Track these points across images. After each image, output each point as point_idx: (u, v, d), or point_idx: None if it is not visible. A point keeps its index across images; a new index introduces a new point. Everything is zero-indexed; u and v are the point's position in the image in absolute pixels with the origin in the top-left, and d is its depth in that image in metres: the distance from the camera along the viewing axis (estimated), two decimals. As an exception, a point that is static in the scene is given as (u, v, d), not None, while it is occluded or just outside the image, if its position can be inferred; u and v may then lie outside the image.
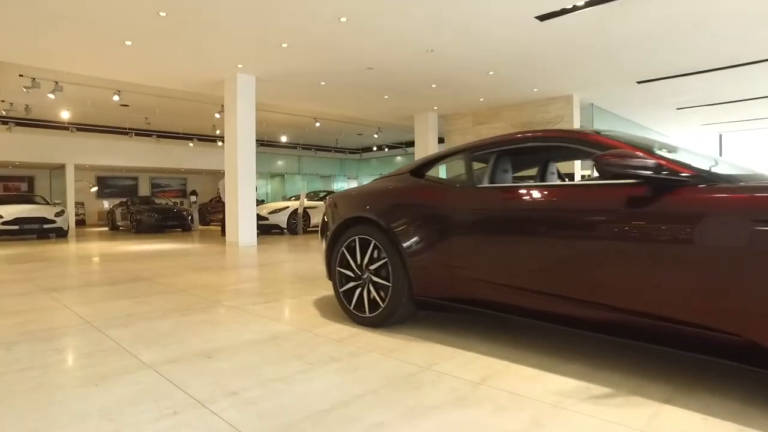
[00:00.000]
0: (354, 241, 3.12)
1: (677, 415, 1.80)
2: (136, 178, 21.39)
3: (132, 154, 17.42)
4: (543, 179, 3.23)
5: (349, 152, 22.87)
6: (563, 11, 6.12)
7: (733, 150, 17.94)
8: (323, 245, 3.44)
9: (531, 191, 2.53)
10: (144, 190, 21.23)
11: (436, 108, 12.69)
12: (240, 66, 8.44)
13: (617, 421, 1.74)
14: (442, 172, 10.48)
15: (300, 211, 11.83)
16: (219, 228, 13.15)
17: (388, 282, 2.90)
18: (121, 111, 12.98)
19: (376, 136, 16.28)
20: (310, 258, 6.83)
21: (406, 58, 8.13)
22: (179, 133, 17.09)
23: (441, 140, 13.97)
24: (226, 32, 6.89)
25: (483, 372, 2.26)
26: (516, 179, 3.25)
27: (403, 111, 12.97)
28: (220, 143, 18.06)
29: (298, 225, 11.79)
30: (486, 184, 2.75)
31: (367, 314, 3.02)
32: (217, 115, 11.59)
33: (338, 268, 3.23)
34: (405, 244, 2.82)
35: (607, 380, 2.13)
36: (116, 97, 10.07)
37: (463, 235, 2.63)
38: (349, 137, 18.63)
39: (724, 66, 8.85)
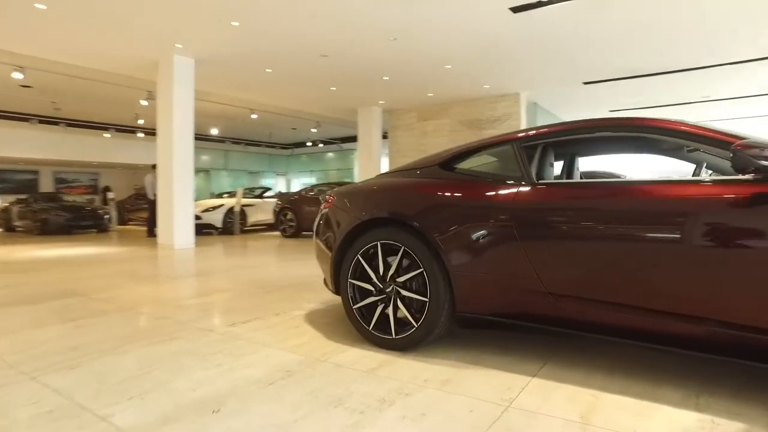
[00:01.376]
0: (375, 247, 2.58)
1: None
2: (36, 172, 18.76)
3: (33, 145, 15.10)
4: (570, 175, 2.89)
5: (281, 147, 21.78)
6: (539, 3, 5.94)
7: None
8: (327, 252, 2.86)
9: (623, 189, 2.13)
10: (46, 185, 18.68)
11: (382, 102, 12.26)
12: (179, 46, 7.40)
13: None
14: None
15: (237, 209, 10.86)
16: (141, 227, 11.75)
17: (424, 297, 2.41)
18: (22, 93, 11.11)
19: (314, 130, 15.51)
20: (264, 262, 6.10)
21: (366, 46, 7.60)
22: (94, 122, 15.12)
23: (384, 136, 13.58)
24: (165, 3, 5.93)
25: (576, 406, 1.85)
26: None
27: (348, 104, 12.40)
28: (141, 134, 16.29)
29: (234, 224, 10.81)
30: (550, 180, 2.34)
31: (393, 336, 2.50)
32: (144, 102, 10.27)
33: (351, 281, 2.68)
34: (450, 252, 2.34)
35: (725, 410, 1.81)
36: (18, 75, 8.48)
37: (527, 240, 2.20)
38: (283, 131, 17.65)
39: (666, 71, 9.29)
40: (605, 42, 7.57)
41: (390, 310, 2.53)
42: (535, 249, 2.19)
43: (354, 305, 2.67)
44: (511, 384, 2.09)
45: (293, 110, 13.06)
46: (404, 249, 2.47)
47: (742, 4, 6.13)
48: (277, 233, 10.67)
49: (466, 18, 6.52)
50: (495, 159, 2.67)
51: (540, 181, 2.32)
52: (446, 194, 2.48)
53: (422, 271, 2.41)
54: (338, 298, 3.65)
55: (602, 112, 13.94)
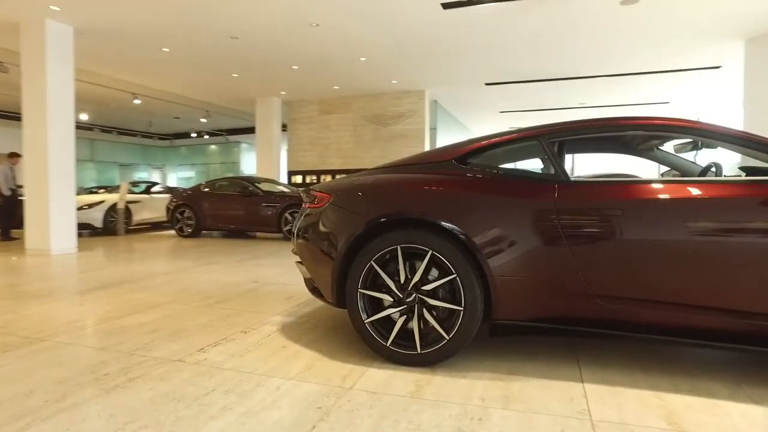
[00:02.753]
0: (395, 252, 2.28)
1: None
2: None
3: None
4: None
5: (159, 138, 19.58)
6: (470, 2, 6.01)
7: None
8: (326, 258, 2.46)
9: (673, 188, 2.11)
10: None
11: (283, 93, 11.60)
12: (55, 8, 6.05)
13: None
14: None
15: (121, 206, 9.43)
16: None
17: (458, 305, 2.18)
18: None
19: (204, 120, 14.12)
20: (181, 267, 5.28)
21: (283, 30, 7.03)
22: None
23: (284, 128, 12.90)
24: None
25: (653, 411, 1.80)
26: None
27: (247, 94, 11.51)
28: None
29: (118, 223, 9.38)
30: (587, 179, 2.25)
31: (419, 350, 2.24)
32: (-10, 76, 8.29)
33: (363, 291, 2.34)
34: (490, 256, 2.14)
35: (778, 401, 1.90)
36: None
37: (573, 241, 2.09)
38: (165, 120, 15.83)
39: (556, 78, 10.17)
40: (513, 47, 8.00)
41: (414, 323, 2.26)
42: (580, 249, 2.09)
43: (366, 319, 2.34)
44: (570, 393, 1.97)
45: (183, 97, 11.73)
46: (432, 254, 2.21)
47: (629, 25, 6.89)
48: (170, 233, 9.50)
49: (396, 10, 6.36)
50: (515, 154, 2.54)
51: (574, 179, 2.23)
52: (483, 193, 2.27)
53: (455, 278, 2.18)
54: (310, 307, 3.27)
55: (493, 113, 14.92)
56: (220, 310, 3.40)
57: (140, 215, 10.06)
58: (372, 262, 2.31)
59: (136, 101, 11.25)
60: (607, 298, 2.08)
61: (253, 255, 6.30)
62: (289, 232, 8.01)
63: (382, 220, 2.31)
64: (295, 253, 2.92)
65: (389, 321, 2.35)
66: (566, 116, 15.12)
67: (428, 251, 2.22)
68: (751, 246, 1.93)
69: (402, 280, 2.28)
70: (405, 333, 2.30)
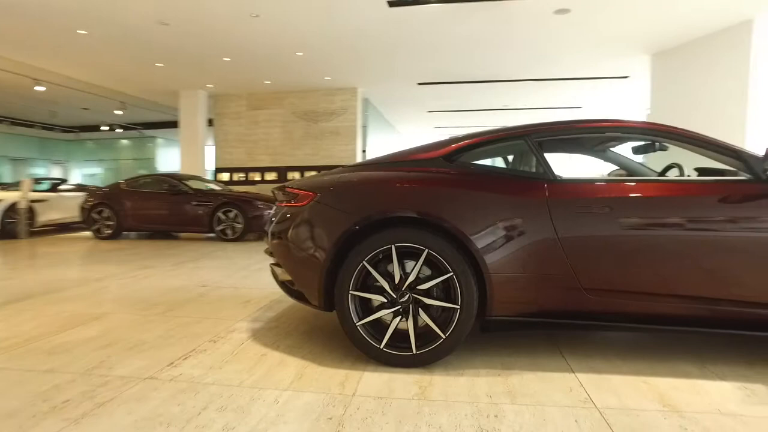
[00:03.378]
0: (388, 251, 2.22)
1: None
2: None
3: None
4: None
5: (62, 130, 17.65)
6: (416, 1, 6.06)
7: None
8: (313, 259, 2.34)
9: (649, 186, 2.27)
10: None
11: (210, 86, 10.98)
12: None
13: None
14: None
15: (23, 205, 8.36)
16: None
17: (454, 304, 2.17)
18: None
19: (119, 112, 12.91)
20: (111, 273, 4.77)
21: (220, 19, 6.62)
22: None
23: (209, 123, 12.21)
24: None
25: (646, 395, 1.91)
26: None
27: (169, 85, 10.73)
28: None
29: (20, 225, 8.31)
30: (574, 178, 2.33)
31: (414, 351, 2.20)
32: None
33: (354, 293, 2.26)
34: (487, 253, 2.16)
35: (740, 375, 2.10)
36: None
37: (565, 237, 2.17)
38: (72, 111, 14.30)
39: (484, 80, 10.60)
40: (450, 48, 8.21)
41: (410, 323, 2.22)
42: (570, 245, 2.17)
43: (358, 321, 2.25)
44: (567, 384, 2.04)
45: (96, 86, 10.67)
46: (429, 252, 2.18)
47: (557, 33, 7.36)
48: (83, 234, 8.61)
49: (342, 5, 6.25)
50: (500, 153, 2.57)
51: (561, 178, 2.32)
52: (479, 191, 2.27)
53: (451, 276, 2.17)
54: (274, 311, 3.13)
55: (421, 112, 15.23)
56: (174, 318, 3.12)
57: (46, 216, 8.99)
58: (364, 262, 2.23)
59: (39, 88, 10.03)
60: (594, 291, 2.18)
61: (189, 257, 5.87)
62: (223, 232, 7.59)
63: (377, 218, 2.24)
64: (270, 255, 2.75)
65: (379, 323, 2.29)
66: (490, 117, 15.85)
67: (424, 250, 2.19)
68: (717, 239, 2.12)
69: (397, 280, 2.23)
70: (398, 334, 2.25)
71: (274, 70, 9.52)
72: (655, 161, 3.42)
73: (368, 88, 11.55)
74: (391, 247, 2.21)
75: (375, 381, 2.09)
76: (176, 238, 8.33)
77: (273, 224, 2.66)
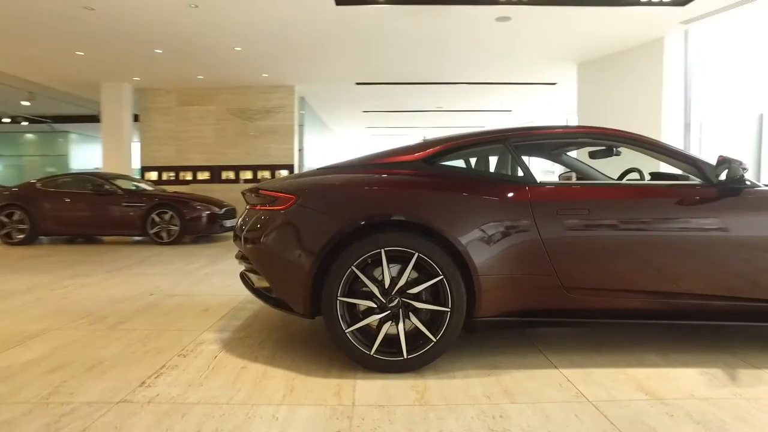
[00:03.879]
0: (377, 256, 2.18)
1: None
2: None
3: None
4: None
5: (-49, 122, 15.55)
6: (364, 0, 6.03)
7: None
8: (298, 265, 2.24)
9: (629, 191, 2.42)
10: None
11: (137, 79, 10.22)
12: None
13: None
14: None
15: None
16: None
17: (444, 306, 2.19)
18: None
19: (27, 103, 11.58)
20: (38, 284, 4.25)
21: (156, 7, 6.17)
22: None
23: (136, 118, 11.38)
24: None
25: (629, 386, 2.04)
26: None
27: (90, 76, 9.85)
28: None
29: None
30: (552, 181, 2.42)
31: (405, 356, 2.19)
32: None
33: (342, 299, 2.20)
34: (476, 255, 2.19)
35: (699, 362, 2.31)
36: None
37: (547, 238, 2.25)
38: (-38, 100, 12.64)
39: (422, 82, 10.79)
40: (392, 49, 8.28)
41: (401, 328, 2.19)
42: (552, 246, 2.27)
43: (347, 328, 2.20)
44: (555, 380, 2.13)
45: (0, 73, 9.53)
46: (419, 256, 2.18)
47: (496, 39, 7.67)
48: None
49: (285, 0, 6.07)
50: (478, 156, 2.62)
51: (540, 182, 2.40)
52: (466, 194, 2.29)
53: (442, 279, 2.18)
54: (239, 320, 3.03)
55: (356, 112, 15.23)
56: (130, 332, 2.86)
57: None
58: (353, 267, 2.18)
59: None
60: (573, 289, 2.29)
61: (124, 263, 5.42)
62: (157, 235, 7.10)
63: (366, 222, 2.20)
64: (243, 260, 2.61)
65: (366, 328, 2.24)
66: (422, 118, 16.18)
67: (414, 254, 2.18)
68: (681, 238, 2.32)
69: (387, 284, 2.20)
70: (385, 339, 2.22)
71: (210, 64, 9.05)
72: (606, 165, 3.66)
73: (305, 87, 11.35)
74: (380, 252, 2.18)
75: (370, 389, 2.05)
76: (100, 242, 7.67)
77: (246, 229, 2.53)
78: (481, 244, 2.21)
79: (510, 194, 2.31)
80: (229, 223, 7.81)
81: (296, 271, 2.25)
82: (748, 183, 2.37)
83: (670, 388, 2.05)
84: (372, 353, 2.19)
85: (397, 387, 2.07)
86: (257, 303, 3.56)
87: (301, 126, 11.95)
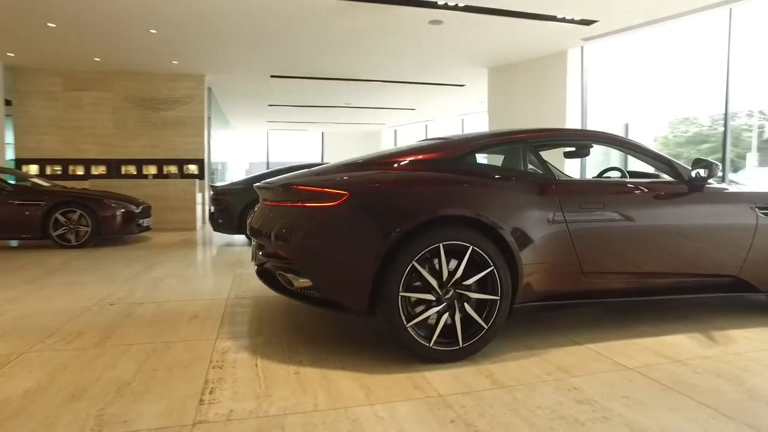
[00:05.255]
0: (437, 250, 2.25)
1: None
2: None
3: None
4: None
5: None
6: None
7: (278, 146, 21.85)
8: (358, 263, 2.21)
9: (638, 187, 2.77)
10: None
11: (11, 55, 8.71)
12: None
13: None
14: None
15: None
16: None
17: (494, 295, 2.33)
18: None
19: None
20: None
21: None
22: None
23: (8, 102, 9.69)
24: None
25: (643, 354, 2.37)
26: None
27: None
28: None
29: None
30: (571, 178, 2.67)
31: (461, 344, 2.30)
32: None
33: (403, 294, 2.22)
34: (521, 247, 2.37)
35: (678, 329, 2.76)
36: None
37: (573, 230, 2.51)
38: None
39: (333, 78, 10.76)
40: (315, 43, 8.15)
41: (457, 318, 2.29)
42: (576, 236, 2.53)
43: (408, 323, 2.23)
44: (590, 354, 2.40)
45: None
46: (473, 249, 2.29)
47: (421, 41, 8.00)
48: None
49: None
50: (500, 154, 2.78)
51: (560, 179, 2.66)
52: (510, 190, 2.46)
53: (492, 270, 2.32)
54: (242, 325, 3.01)
55: (262, 106, 14.68)
56: (127, 348, 2.54)
57: None
58: (414, 262, 2.22)
59: None
60: (590, 273, 2.58)
61: (40, 271, 4.66)
62: (63, 237, 6.20)
63: (429, 218, 2.24)
64: (264, 261, 2.49)
65: (421, 322, 2.29)
66: (326, 114, 16.12)
67: (469, 247, 2.28)
68: (669, 226, 2.75)
69: (445, 277, 2.27)
70: (448, 330, 2.28)
71: (114, 46, 8.08)
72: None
73: (215, 77, 10.67)
74: (439, 246, 2.25)
75: (442, 379, 2.11)
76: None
77: (280, 226, 2.42)
78: (522, 236, 2.40)
79: (541, 190, 2.53)
80: (146, 222, 7.10)
81: (357, 268, 2.23)
82: (711, 182, 2.87)
83: (677, 351, 2.43)
84: (431, 345, 2.25)
85: (464, 375, 2.16)
86: (245, 306, 3.38)
87: (209, 118, 11.20)
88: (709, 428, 1.70)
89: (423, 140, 3.27)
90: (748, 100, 7.73)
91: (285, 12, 6.61)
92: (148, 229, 7.24)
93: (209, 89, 11.44)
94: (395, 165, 2.58)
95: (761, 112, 8.55)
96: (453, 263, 2.29)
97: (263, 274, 2.76)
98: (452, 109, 15.59)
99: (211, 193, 7.07)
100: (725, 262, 2.86)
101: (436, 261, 2.28)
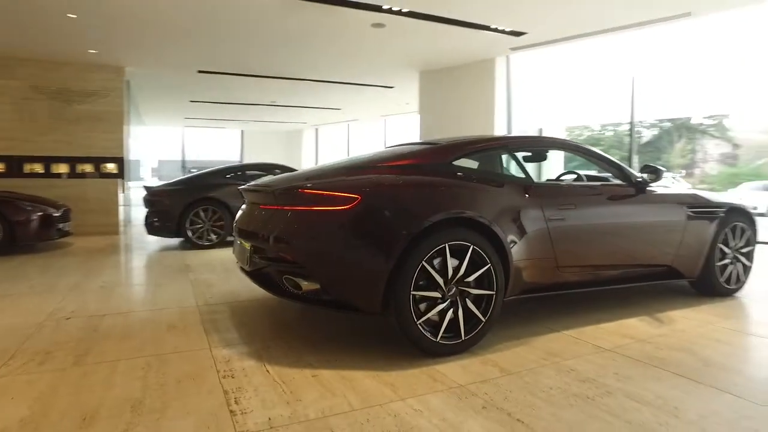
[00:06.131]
0: (443, 250, 2.40)
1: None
2: None
3: None
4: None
5: None
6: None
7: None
8: (373, 265, 2.29)
9: (599, 189, 3.16)
10: None
11: None
12: None
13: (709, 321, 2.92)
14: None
15: None
16: None
17: (491, 290, 2.53)
18: None
19: None
20: None
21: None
22: None
23: None
24: None
25: (615, 336, 2.72)
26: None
27: None
28: None
29: None
30: (543, 181, 2.94)
31: (464, 337, 2.47)
32: None
33: (414, 293, 2.34)
34: (513, 246, 2.60)
35: (612, 315, 3.17)
36: None
37: (552, 228, 2.79)
38: None
39: (259, 75, 10.49)
40: (250, 39, 7.87)
41: (460, 313, 2.45)
42: (554, 233, 2.81)
43: (419, 320, 2.35)
44: (570, 340, 2.69)
45: None
46: (473, 248, 2.46)
47: (361, 42, 8.12)
48: None
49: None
50: (482, 159, 2.98)
51: (538, 182, 2.93)
52: (501, 192, 2.67)
53: (489, 267, 2.51)
54: (229, 333, 2.98)
55: (183, 101, 13.87)
56: (115, 364, 2.38)
57: None
58: (423, 263, 2.34)
59: None
60: (563, 267, 2.89)
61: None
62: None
63: (439, 220, 2.38)
64: (256, 268, 2.50)
65: (435, 317, 2.41)
66: (250, 111, 15.61)
67: (470, 246, 2.46)
68: (622, 225, 3.15)
69: (450, 275, 2.42)
70: (432, 325, 2.41)
71: (21, 28, 7.19)
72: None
73: (137, 70, 9.90)
74: (445, 246, 2.39)
75: (455, 371, 2.26)
76: None
77: (288, 231, 2.43)
78: (514, 236, 2.63)
79: (526, 192, 2.78)
80: (66, 226, 6.47)
81: (372, 270, 2.30)
82: (651, 185, 3.32)
83: (637, 333, 2.81)
84: (438, 340, 2.40)
85: (472, 366, 2.33)
86: (221, 313, 3.29)
87: (128, 114, 10.37)
88: (689, 392, 2.03)
89: (403, 144, 3.40)
90: (627, 111, 8.91)
91: (223, 6, 6.35)
92: (68, 234, 6.60)
93: (128, 82, 10.58)
94: (394, 168, 2.69)
95: (640, 122, 9.88)
96: (455, 262, 2.45)
97: (259, 277, 2.72)
98: (377, 110, 15.84)
99: (145, 194, 6.61)
100: (662, 254, 3.32)
101: (436, 261, 2.41)
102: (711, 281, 3.53)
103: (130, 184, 11.01)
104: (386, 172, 2.67)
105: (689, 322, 3.03)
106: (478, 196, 2.61)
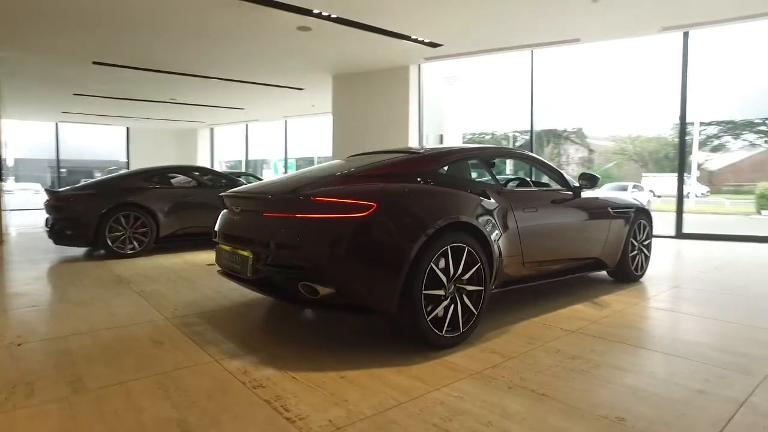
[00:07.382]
0: (446, 251, 2.66)
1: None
2: None
3: None
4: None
5: None
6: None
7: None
8: (389, 268, 2.45)
9: (552, 194, 3.65)
10: None
11: None
12: None
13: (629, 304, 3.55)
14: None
15: None
16: None
17: (480, 286, 2.86)
18: None
19: None
20: None
21: None
22: None
23: None
24: None
25: (576, 321, 3.22)
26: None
27: None
28: None
29: None
30: (515, 188, 3.32)
31: (462, 330, 2.76)
32: None
33: (425, 292, 2.57)
34: (497, 246, 2.95)
35: (577, 299, 3.74)
36: None
37: (521, 229, 3.20)
38: None
39: (160, 70, 9.83)
40: (158, 34, 7.43)
41: (459, 308, 2.73)
42: (522, 233, 3.23)
43: (429, 317, 2.58)
44: (542, 325, 3.11)
45: None
46: (468, 249, 2.76)
47: (283, 44, 8.06)
48: None
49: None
50: (458, 168, 3.28)
51: (505, 188, 3.32)
52: (485, 198, 2.99)
53: (480, 265, 2.83)
54: (225, 344, 3.02)
55: (66, 95, 12.37)
56: (122, 388, 2.24)
57: None
58: (431, 264, 2.57)
59: None
60: (527, 263, 3.32)
61: None
62: None
63: (444, 224, 2.62)
64: (276, 270, 2.57)
65: (440, 313, 2.65)
66: (142, 107, 14.42)
67: (465, 247, 2.74)
68: (567, 224, 3.69)
69: (451, 274, 2.68)
70: (436, 321, 2.67)
71: None
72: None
73: (12, 55, 8.63)
74: (447, 248, 2.65)
75: (464, 360, 2.53)
76: None
77: (303, 238, 2.50)
78: (497, 236, 2.98)
79: (500, 196, 3.15)
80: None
81: (391, 273, 2.47)
82: (584, 190, 3.92)
83: (589, 316, 3.33)
84: (443, 333, 2.65)
85: (475, 354, 2.62)
86: (199, 324, 3.19)
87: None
88: (653, 360, 2.53)
89: (371, 153, 3.61)
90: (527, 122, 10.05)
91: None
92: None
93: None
94: (391, 176, 2.89)
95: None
96: (445, 263, 2.71)
97: (262, 284, 2.72)
98: (280, 110, 15.59)
99: (48, 199, 5.86)
100: (593, 248, 3.94)
101: (440, 262, 2.66)
102: (626, 270, 4.27)
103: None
104: (382, 180, 2.85)
105: (621, 304, 3.66)
106: (469, 201, 2.91)
